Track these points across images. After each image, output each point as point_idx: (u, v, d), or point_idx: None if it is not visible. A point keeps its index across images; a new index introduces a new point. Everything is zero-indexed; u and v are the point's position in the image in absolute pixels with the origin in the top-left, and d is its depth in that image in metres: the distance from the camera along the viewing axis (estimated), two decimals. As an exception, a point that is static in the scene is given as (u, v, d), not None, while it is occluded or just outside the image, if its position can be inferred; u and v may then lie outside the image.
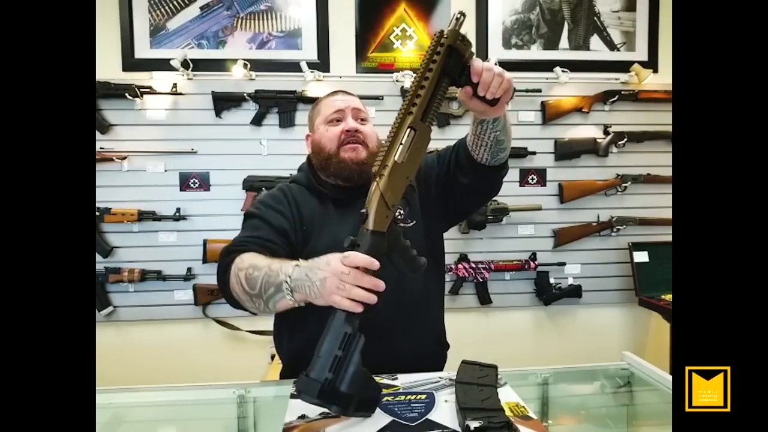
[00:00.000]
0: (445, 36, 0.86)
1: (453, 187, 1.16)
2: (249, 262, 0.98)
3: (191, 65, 2.26)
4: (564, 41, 2.49)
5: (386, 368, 1.04)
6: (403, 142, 0.86)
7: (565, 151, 2.45)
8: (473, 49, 0.92)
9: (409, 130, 0.86)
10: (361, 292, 0.79)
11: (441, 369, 1.18)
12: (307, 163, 1.26)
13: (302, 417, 0.86)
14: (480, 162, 1.10)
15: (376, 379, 1.02)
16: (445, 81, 0.88)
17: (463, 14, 0.87)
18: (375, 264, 0.80)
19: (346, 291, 0.79)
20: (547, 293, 2.46)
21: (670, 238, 2.45)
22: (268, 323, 2.34)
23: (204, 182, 2.32)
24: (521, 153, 2.40)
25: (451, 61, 0.86)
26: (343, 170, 1.15)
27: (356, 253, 0.80)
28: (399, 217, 0.90)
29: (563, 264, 2.48)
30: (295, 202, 1.17)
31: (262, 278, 0.93)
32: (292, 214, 1.14)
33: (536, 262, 2.43)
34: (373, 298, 0.79)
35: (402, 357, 1.07)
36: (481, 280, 2.41)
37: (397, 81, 2.33)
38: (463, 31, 0.87)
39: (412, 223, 0.95)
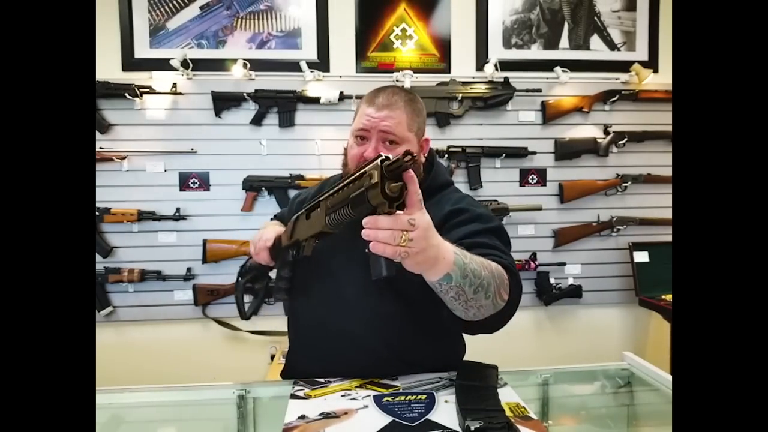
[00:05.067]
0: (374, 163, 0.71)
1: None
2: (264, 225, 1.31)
3: (191, 65, 2.26)
4: (564, 41, 2.49)
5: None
6: (314, 209, 0.95)
7: (566, 151, 2.45)
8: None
9: (318, 208, 0.92)
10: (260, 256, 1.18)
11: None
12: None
13: (302, 417, 0.86)
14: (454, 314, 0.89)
15: (376, 379, 1.03)
16: (346, 205, 0.78)
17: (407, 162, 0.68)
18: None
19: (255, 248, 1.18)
20: (548, 293, 2.46)
21: (670, 238, 2.45)
22: (268, 323, 2.36)
23: (204, 182, 2.32)
24: (521, 153, 2.40)
25: (357, 195, 0.74)
26: None
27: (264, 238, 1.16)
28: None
29: (563, 264, 2.48)
30: (315, 197, 1.24)
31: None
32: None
33: (536, 262, 2.43)
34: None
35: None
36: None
37: (397, 81, 2.33)
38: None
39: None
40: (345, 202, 0.78)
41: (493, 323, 0.92)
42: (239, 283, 1.27)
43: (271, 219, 1.40)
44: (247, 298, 1.29)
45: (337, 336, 1.08)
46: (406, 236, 0.69)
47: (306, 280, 1.13)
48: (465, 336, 1.17)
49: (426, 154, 1.15)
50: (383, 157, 0.70)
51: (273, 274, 1.21)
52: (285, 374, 1.20)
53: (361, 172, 0.74)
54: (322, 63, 2.35)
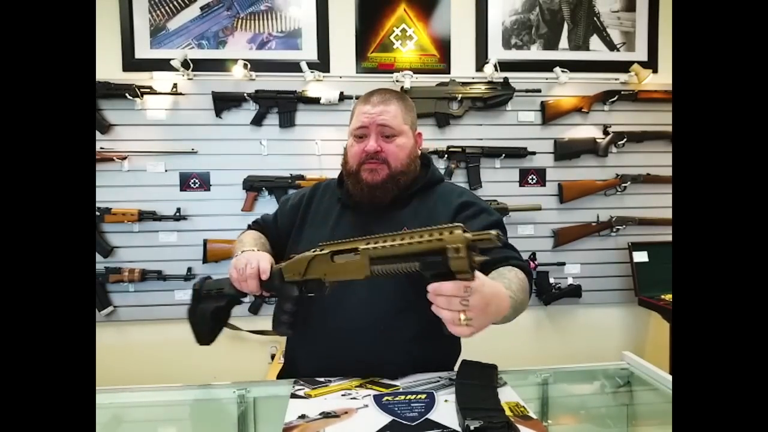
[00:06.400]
0: (452, 233, 0.73)
1: None
2: (242, 237, 1.23)
3: (191, 65, 2.26)
4: (564, 41, 2.49)
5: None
6: (344, 252, 0.87)
7: (565, 151, 2.45)
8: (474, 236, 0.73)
9: (356, 252, 0.84)
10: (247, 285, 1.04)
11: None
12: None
13: (302, 417, 0.86)
14: None
15: (376, 379, 1.03)
16: (415, 261, 0.77)
17: (500, 239, 0.73)
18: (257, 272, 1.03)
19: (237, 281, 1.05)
20: (547, 293, 2.46)
21: (669, 238, 2.45)
22: (268, 323, 2.35)
23: (204, 182, 2.32)
24: (521, 153, 2.40)
25: (432, 256, 0.75)
26: (358, 190, 1.13)
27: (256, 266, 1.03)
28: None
29: (563, 264, 2.48)
30: (310, 201, 1.24)
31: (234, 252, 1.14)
32: (295, 211, 1.24)
33: (536, 262, 2.43)
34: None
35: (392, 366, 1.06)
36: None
37: (396, 81, 2.34)
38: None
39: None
40: (409, 259, 0.77)
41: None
42: (199, 308, 1.10)
43: (249, 226, 1.32)
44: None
45: (340, 336, 1.08)
46: (466, 316, 0.73)
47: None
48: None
49: (420, 148, 1.21)
50: (464, 228, 0.73)
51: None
52: (285, 375, 1.19)
53: (431, 234, 0.74)
54: (322, 63, 2.35)
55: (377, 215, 1.13)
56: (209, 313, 1.08)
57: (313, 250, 0.94)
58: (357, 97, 2.26)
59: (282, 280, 1.00)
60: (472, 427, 0.77)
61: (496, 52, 2.43)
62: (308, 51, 2.36)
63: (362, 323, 1.06)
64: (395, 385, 1.00)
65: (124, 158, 2.25)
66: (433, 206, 1.14)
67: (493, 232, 0.71)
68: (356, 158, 1.13)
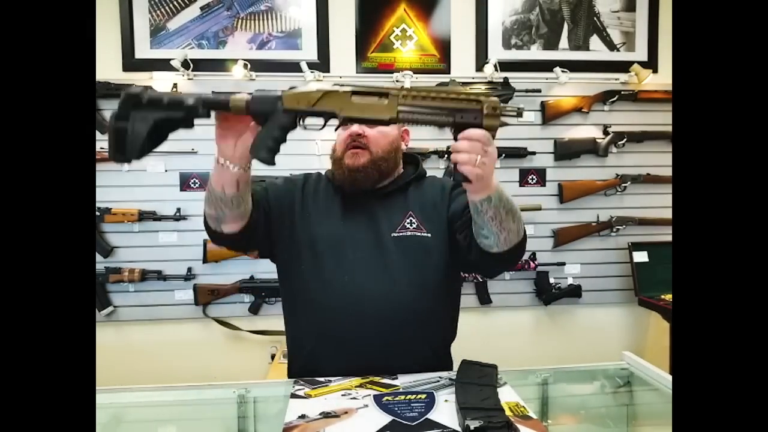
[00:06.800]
0: (487, 94, 0.89)
1: (457, 257, 1.13)
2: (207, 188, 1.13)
3: (191, 65, 2.26)
4: (564, 41, 2.49)
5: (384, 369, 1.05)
6: (368, 93, 0.91)
7: (565, 151, 2.45)
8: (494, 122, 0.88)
9: (385, 96, 0.89)
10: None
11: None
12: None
13: (302, 416, 0.86)
14: (483, 249, 1.03)
15: (376, 379, 1.03)
16: (448, 115, 0.88)
17: (520, 113, 0.89)
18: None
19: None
20: (547, 293, 2.46)
21: (669, 238, 2.45)
22: (268, 323, 2.36)
23: (204, 182, 2.32)
24: (521, 153, 2.40)
25: (468, 112, 0.88)
26: (342, 175, 1.18)
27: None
28: (410, 226, 1.14)
29: (563, 264, 2.48)
30: (302, 188, 1.25)
31: (213, 184, 1.09)
32: (291, 196, 1.23)
33: (536, 262, 2.43)
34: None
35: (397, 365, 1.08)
36: (481, 279, 2.42)
37: (397, 81, 2.34)
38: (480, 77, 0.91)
39: (424, 234, 1.14)
40: (442, 111, 0.88)
41: (511, 258, 1.05)
42: (138, 114, 0.95)
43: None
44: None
45: (357, 325, 1.08)
46: (482, 159, 0.87)
47: (319, 271, 1.12)
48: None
49: (407, 144, 1.28)
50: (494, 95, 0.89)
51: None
52: (298, 372, 1.14)
53: (467, 95, 0.88)
54: (322, 63, 2.35)
55: (378, 198, 1.19)
56: (152, 122, 0.96)
57: (335, 85, 0.94)
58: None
59: (277, 107, 0.97)
60: (472, 427, 0.77)
61: (496, 52, 2.43)
62: (308, 51, 2.36)
63: (379, 309, 1.08)
64: (395, 385, 1.00)
65: (124, 158, 2.25)
66: (429, 191, 1.21)
67: (518, 106, 0.87)
68: (342, 144, 1.19)
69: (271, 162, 0.96)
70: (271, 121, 0.97)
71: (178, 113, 0.97)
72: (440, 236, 1.14)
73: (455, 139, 0.89)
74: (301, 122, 0.97)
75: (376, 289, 1.09)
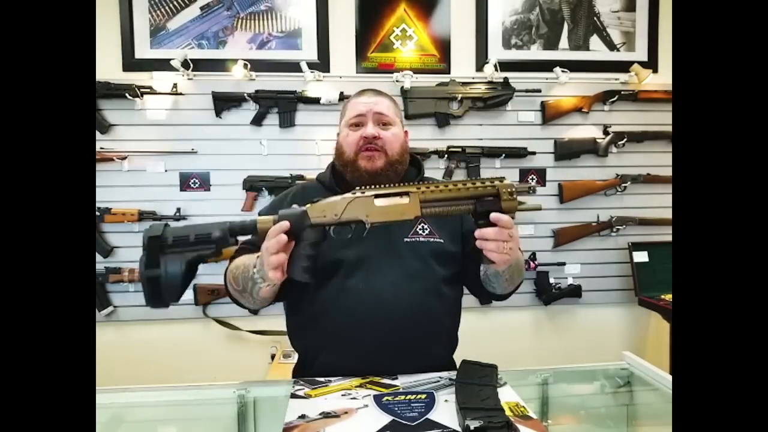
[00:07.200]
0: (501, 181, 0.95)
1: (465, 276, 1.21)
2: (236, 263, 1.09)
3: (191, 65, 2.26)
4: (564, 41, 2.49)
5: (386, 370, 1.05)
6: (390, 195, 0.94)
7: (565, 151, 2.45)
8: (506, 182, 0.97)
9: (406, 195, 0.94)
10: (273, 258, 0.90)
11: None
12: (332, 163, 1.27)
13: (302, 416, 0.86)
14: (486, 290, 1.16)
15: (376, 379, 1.03)
16: (468, 203, 0.94)
17: (534, 189, 1.02)
18: (282, 227, 0.91)
19: (270, 263, 0.91)
20: (547, 293, 2.46)
21: (670, 238, 2.45)
22: (268, 323, 2.36)
23: (204, 182, 2.32)
24: (521, 153, 2.40)
25: (486, 198, 0.95)
26: (357, 178, 1.14)
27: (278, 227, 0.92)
28: (422, 232, 1.16)
29: (563, 264, 2.48)
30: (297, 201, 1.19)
31: (242, 275, 1.03)
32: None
33: (536, 262, 2.43)
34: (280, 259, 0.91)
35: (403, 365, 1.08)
36: (481, 280, 2.41)
37: (397, 81, 2.34)
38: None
39: (434, 239, 1.16)
40: (463, 201, 0.94)
41: (508, 297, 1.20)
42: (168, 258, 0.92)
43: (239, 250, 1.17)
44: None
45: (375, 328, 1.08)
46: (507, 246, 0.95)
47: (333, 273, 1.11)
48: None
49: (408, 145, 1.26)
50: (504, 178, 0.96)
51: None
52: (308, 371, 1.13)
53: (482, 182, 0.94)
54: (322, 63, 2.35)
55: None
56: (185, 263, 0.92)
57: (352, 192, 0.95)
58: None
59: (305, 223, 0.94)
60: (472, 427, 0.77)
61: (496, 52, 2.43)
62: (308, 51, 2.36)
63: (395, 313, 1.08)
64: (395, 385, 1.00)
65: (124, 158, 2.25)
66: None
67: (530, 182, 0.91)
68: (353, 146, 1.15)
69: (310, 280, 0.95)
70: (301, 238, 0.95)
71: (209, 248, 0.94)
72: (453, 244, 1.17)
73: (476, 224, 0.95)
74: (331, 232, 0.96)
75: (391, 293, 1.09)
